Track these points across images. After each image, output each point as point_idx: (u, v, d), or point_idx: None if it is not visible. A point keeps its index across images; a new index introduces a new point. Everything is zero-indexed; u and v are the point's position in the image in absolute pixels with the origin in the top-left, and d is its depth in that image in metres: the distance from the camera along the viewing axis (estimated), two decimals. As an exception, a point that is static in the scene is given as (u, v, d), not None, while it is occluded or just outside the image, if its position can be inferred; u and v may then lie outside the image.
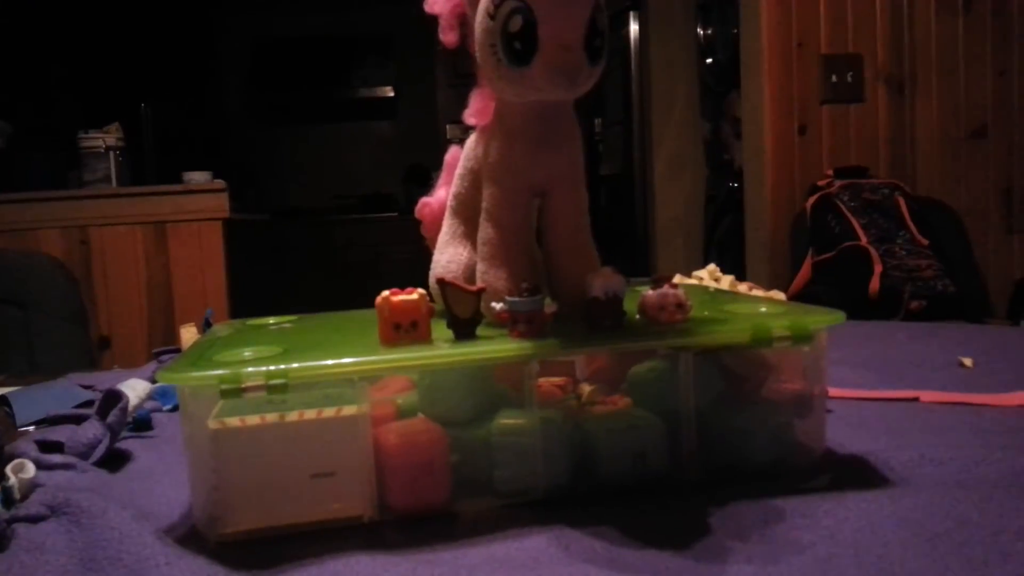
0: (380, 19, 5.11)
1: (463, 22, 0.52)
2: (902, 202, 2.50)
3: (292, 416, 0.47)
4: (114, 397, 0.64)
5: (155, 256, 2.71)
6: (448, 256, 0.57)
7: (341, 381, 0.47)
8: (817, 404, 0.54)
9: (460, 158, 0.58)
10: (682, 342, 0.49)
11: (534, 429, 0.49)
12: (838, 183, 2.52)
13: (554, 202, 0.53)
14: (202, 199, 2.75)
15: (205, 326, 1.17)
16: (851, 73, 2.60)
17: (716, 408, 0.52)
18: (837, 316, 0.52)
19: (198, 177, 2.78)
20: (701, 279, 0.84)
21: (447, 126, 4.87)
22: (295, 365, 0.45)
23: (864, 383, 0.73)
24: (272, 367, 0.44)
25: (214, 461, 0.46)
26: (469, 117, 0.57)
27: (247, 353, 0.50)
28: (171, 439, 0.68)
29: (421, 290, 0.49)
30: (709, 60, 3.26)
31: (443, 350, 0.47)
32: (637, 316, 0.51)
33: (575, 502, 0.49)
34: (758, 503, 0.47)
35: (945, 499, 0.46)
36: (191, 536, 0.46)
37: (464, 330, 0.49)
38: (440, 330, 0.49)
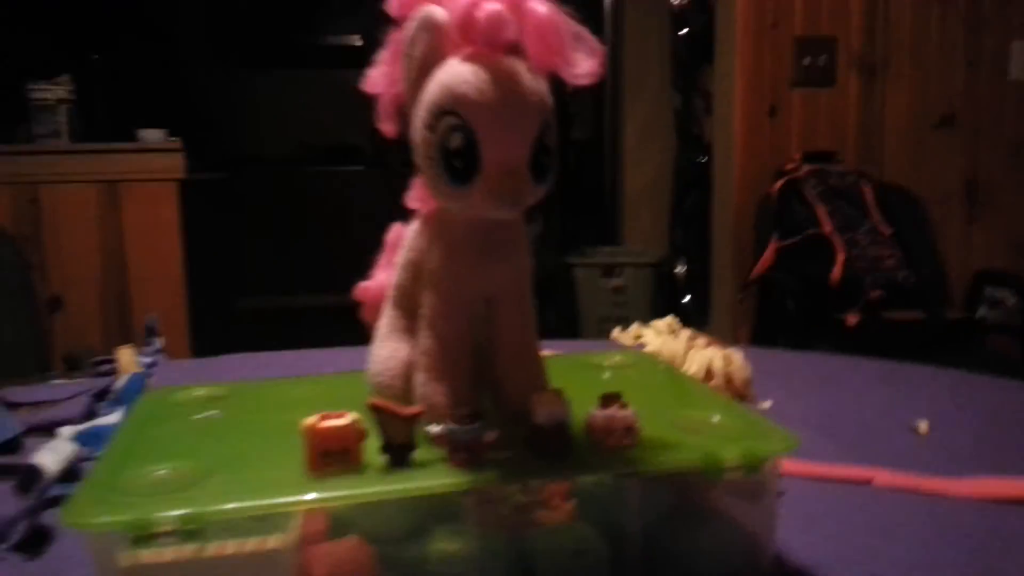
0: (348, -36, 4.94)
1: (403, 112, 0.48)
2: (868, 190, 2.50)
3: (211, 549, 0.44)
4: (33, 473, 0.60)
5: (108, 217, 2.62)
6: (388, 352, 0.53)
7: (264, 511, 0.44)
8: (767, 516, 0.52)
9: (402, 241, 0.55)
10: (630, 471, 0.47)
11: (473, 557, 0.47)
12: (805, 168, 2.50)
13: (500, 313, 0.50)
14: (157, 158, 2.66)
15: (147, 335, 1.13)
16: (824, 56, 2.57)
17: (663, 524, 0.51)
18: (790, 443, 0.49)
19: (152, 135, 2.69)
20: (659, 331, 0.82)
21: (416, 78, 4.75)
22: (210, 509, 0.41)
23: (816, 451, 0.72)
24: (185, 512, 0.41)
25: (126, 599, 0.43)
26: (412, 201, 0.53)
27: (161, 472, 0.47)
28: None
29: (353, 413, 0.46)
30: (683, 31, 3.20)
31: (374, 485, 0.44)
32: (583, 432, 0.49)
33: (511, 633, 0.47)
34: (700, 643, 0.46)
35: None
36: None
37: (398, 457, 0.46)
38: (373, 451, 0.46)
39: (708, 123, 3.04)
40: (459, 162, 0.43)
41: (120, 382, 0.88)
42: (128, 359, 0.93)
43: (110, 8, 3.72)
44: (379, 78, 0.49)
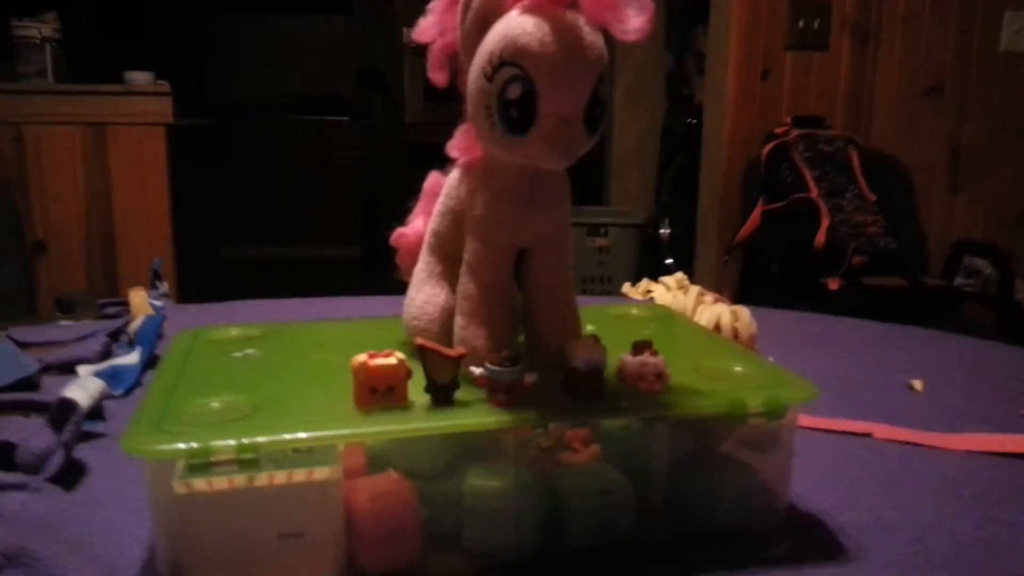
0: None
1: (454, 61, 0.49)
2: (855, 156, 2.53)
3: (262, 479, 0.46)
4: (66, 407, 0.61)
5: (94, 159, 2.59)
6: (424, 296, 0.55)
7: (314, 444, 0.46)
8: (784, 466, 0.55)
9: (441, 189, 0.56)
10: (660, 414, 0.49)
11: (506, 493, 0.49)
12: (795, 132, 2.52)
13: (538, 259, 0.52)
14: (144, 102, 2.62)
15: (153, 277, 1.13)
16: (818, 19, 2.57)
17: (685, 469, 0.53)
18: (810, 391, 0.52)
19: (140, 78, 2.64)
20: (668, 287, 0.84)
21: (403, 29, 4.69)
22: (266, 439, 0.43)
23: (821, 407, 0.75)
24: (244, 440, 0.43)
25: (180, 525, 0.45)
26: (453, 151, 0.54)
27: (214, 404, 0.48)
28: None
29: (400, 354, 0.47)
30: (678, -10, 3.18)
31: (420, 421, 0.46)
32: (615, 379, 0.51)
33: (543, 565, 0.49)
34: (720, 576, 0.48)
35: (897, 583, 0.48)
36: (156, 597, 0.45)
37: (442, 396, 0.48)
38: (416, 390, 0.48)
39: (699, 84, 3.04)
40: (516, 112, 0.44)
41: (135, 323, 0.89)
42: (141, 301, 0.93)
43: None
44: (430, 27, 0.50)
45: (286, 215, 5.05)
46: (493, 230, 0.50)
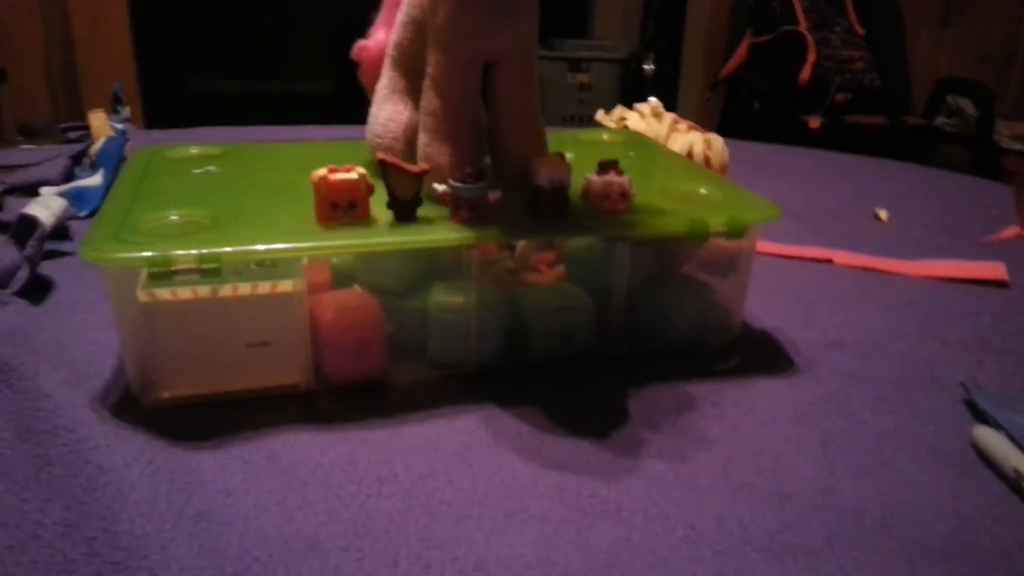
0: None
1: None
2: (847, -12, 2.44)
3: (225, 291, 0.46)
4: (29, 223, 0.61)
5: (50, -17, 2.44)
6: (387, 114, 0.53)
7: (276, 258, 0.46)
8: (740, 285, 0.56)
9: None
10: (623, 234, 0.50)
11: (470, 308, 0.50)
12: (788, -40, 2.41)
13: (504, 74, 0.50)
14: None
15: (113, 101, 1.10)
16: None
17: (645, 287, 0.54)
18: (772, 211, 0.52)
19: None
20: (643, 114, 0.83)
21: None
22: (227, 249, 0.43)
23: (785, 234, 0.76)
24: (204, 251, 0.43)
25: (146, 333, 0.45)
26: (415, -44, 0.51)
27: (173, 217, 0.48)
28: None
29: (360, 168, 0.47)
30: None
31: (382, 236, 0.46)
32: (580, 199, 0.51)
33: (504, 376, 0.51)
34: (674, 388, 0.51)
35: (841, 394, 0.51)
36: (126, 402, 0.46)
37: (405, 212, 0.47)
38: (379, 206, 0.48)
39: (691, -93, 2.86)
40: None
41: (96, 146, 0.86)
42: (101, 123, 0.91)
43: None
44: None
45: (256, 46, 4.84)
46: (457, 41, 0.48)
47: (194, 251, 0.43)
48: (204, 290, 0.46)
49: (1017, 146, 2.35)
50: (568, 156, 0.51)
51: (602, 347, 0.53)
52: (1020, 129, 2.39)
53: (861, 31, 2.42)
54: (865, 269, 0.70)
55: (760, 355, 0.55)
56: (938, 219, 0.84)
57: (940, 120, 2.50)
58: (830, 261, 0.72)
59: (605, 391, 0.50)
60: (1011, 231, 0.79)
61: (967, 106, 2.46)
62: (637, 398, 0.49)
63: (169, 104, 3.08)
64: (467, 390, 0.50)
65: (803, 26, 2.36)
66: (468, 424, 0.47)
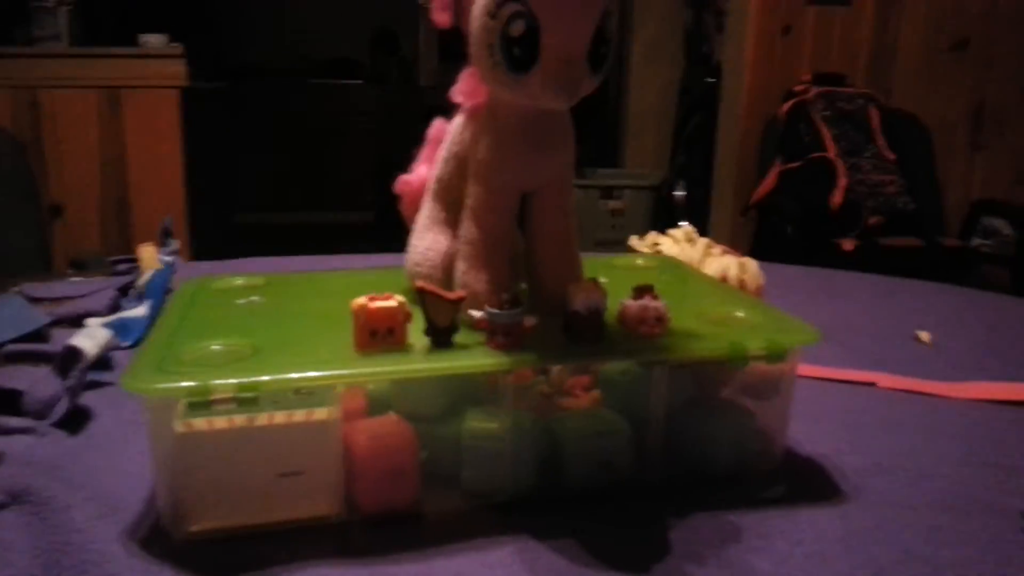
0: None
1: (458, 1, 0.48)
2: (875, 115, 2.49)
3: (261, 419, 0.46)
4: (73, 355, 0.62)
5: (109, 123, 2.60)
6: (427, 243, 0.55)
7: (312, 385, 0.47)
8: (781, 409, 0.55)
9: (445, 136, 0.56)
10: (660, 357, 0.49)
11: (504, 435, 0.49)
12: (814, 90, 2.48)
13: (541, 203, 0.52)
14: (158, 64, 2.61)
15: (163, 236, 1.14)
16: (840, -25, 2.52)
17: (684, 413, 0.53)
18: (812, 335, 0.52)
19: (154, 40, 2.63)
20: (676, 239, 0.84)
21: (418, -10, 4.64)
22: (266, 378, 0.44)
23: (825, 356, 0.75)
24: (243, 380, 0.43)
25: (180, 463, 0.45)
26: (457, 95, 0.54)
27: (215, 347, 0.49)
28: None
29: (399, 297, 0.48)
30: (696, -54, 3.12)
31: (419, 362, 0.47)
32: (616, 323, 0.51)
33: (540, 505, 0.50)
34: (716, 517, 0.49)
35: (894, 523, 0.48)
36: (156, 535, 0.46)
37: (441, 338, 0.48)
38: (416, 334, 0.49)
39: (719, 42, 2.99)
40: (519, 50, 0.43)
41: (144, 278, 0.89)
42: (150, 255, 0.94)
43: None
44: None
45: (301, 180, 5.06)
46: (496, 173, 0.50)
47: (233, 380, 0.43)
48: (240, 419, 0.46)
49: (1059, 266, 2.32)
50: (602, 280, 0.51)
51: (640, 474, 0.52)
52: (1060, 248, 2.37)
53: (891, 156, 2.46)
54: (910, 392, 0.68)
55: (805, 482, 0.54)
56: (982, 340, 0.83)
57: (976, 241, 2.49)
58: (873, 384, 0.70)
59: (645, 521, 0.49)
60: (1061, 352, 0.77)
61: (1003, 227, 2.45)
62: (678, 528, 0.48)
63: (216, 237, 3.19)
64: (501, 520, 0.48)
65: (832, 152, 2.40)
66: (502, 558, 0.45)
